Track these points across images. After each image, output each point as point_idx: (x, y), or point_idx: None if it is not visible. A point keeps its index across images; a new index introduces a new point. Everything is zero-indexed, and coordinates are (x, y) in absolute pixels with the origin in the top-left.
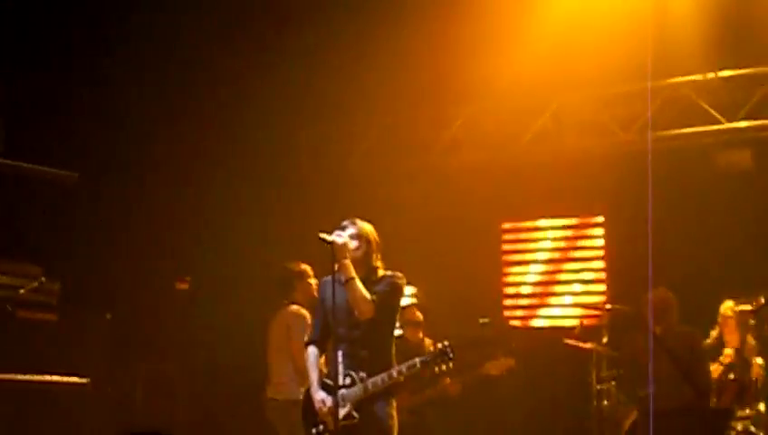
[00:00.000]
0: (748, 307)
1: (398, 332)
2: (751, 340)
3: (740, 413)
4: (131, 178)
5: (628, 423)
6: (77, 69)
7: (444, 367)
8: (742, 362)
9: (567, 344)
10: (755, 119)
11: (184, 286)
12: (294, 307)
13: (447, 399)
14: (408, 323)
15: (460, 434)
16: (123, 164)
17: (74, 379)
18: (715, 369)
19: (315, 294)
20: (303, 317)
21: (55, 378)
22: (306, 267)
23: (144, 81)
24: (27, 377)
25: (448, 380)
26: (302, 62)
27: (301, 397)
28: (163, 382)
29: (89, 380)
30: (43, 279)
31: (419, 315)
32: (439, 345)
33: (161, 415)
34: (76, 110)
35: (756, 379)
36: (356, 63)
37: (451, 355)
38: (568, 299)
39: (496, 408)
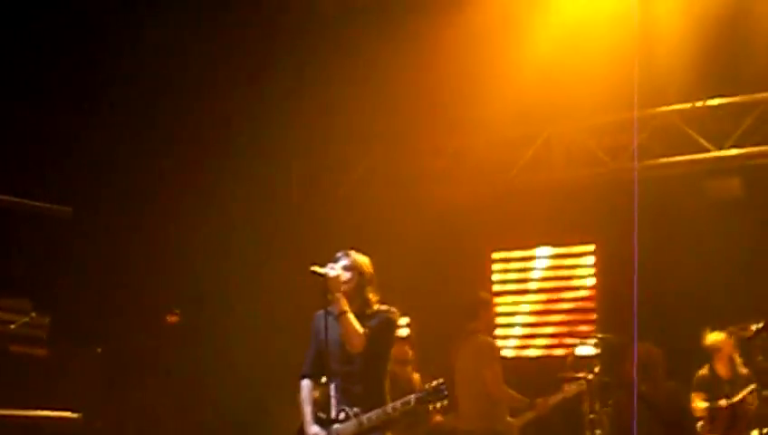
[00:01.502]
0: (741, 334)
1: None
2: (742, 368)
3: None
4: (122, 212)
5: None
6: (68, 103)
7: (438, 405)
8: (733, 390)
9: (561, 376)
10: (744, 147)
11: (174, 320)
12: (483, 337)
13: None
14: (396, 361)
15: None
16: (114, 198)
17: (66, 414)
18: (704, 401)
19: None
20: (494, 346)
21: (47, 413)
22: (489, 296)
23: (133, 113)
24: (18, 412)
25: (440, 417)
26: (294, 94)
27: (499, 427)
28: (154, 416)
29: (80, 414)
30: (33, 314)
31: (409, 352)
32: (434, 383)
33: None
34: (65, 143)
35: (748, 406)
36: (347, 94)
37: (446, 392)
38: (558, 328)
39: None
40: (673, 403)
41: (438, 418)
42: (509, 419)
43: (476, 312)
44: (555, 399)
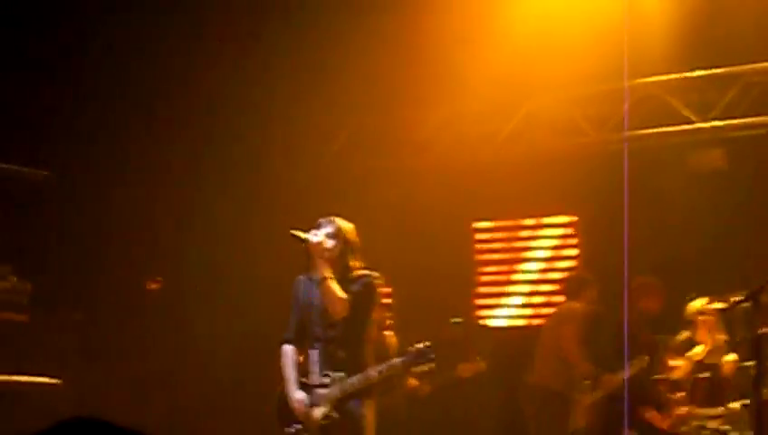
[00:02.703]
0: (720, 305)
1: None
2: (721, 338)
3: (712, 412)
4: (104, 178)
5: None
6: (53, 72)
7: (425, 367)
8: (713, 360)
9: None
10: (727, 118)
11: (155, 286)
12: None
13: (416, 399)
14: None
15: (427, 433)
16: (96, 165)
17: (46, 379)
18: (684, 366)
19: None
20: (576, 310)
21: (27, 378)
22: (592, 276)
23: (119, 84)
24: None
25: (415, 381)
26: (275, 65)
27: (571, 393)
28: (134, 382)
29: (60, 380)
30: (14, 279)
31: (388, 317)
32: (420, 345)
33: (133, 414)
34: (51, 111)
35: (728, 377)
36: (329, 65)
37: (432, 356)
38: (539, 298)
39: (464, 405)
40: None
41: (414, 382)
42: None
43: (578, 290)
44: (621, 376)
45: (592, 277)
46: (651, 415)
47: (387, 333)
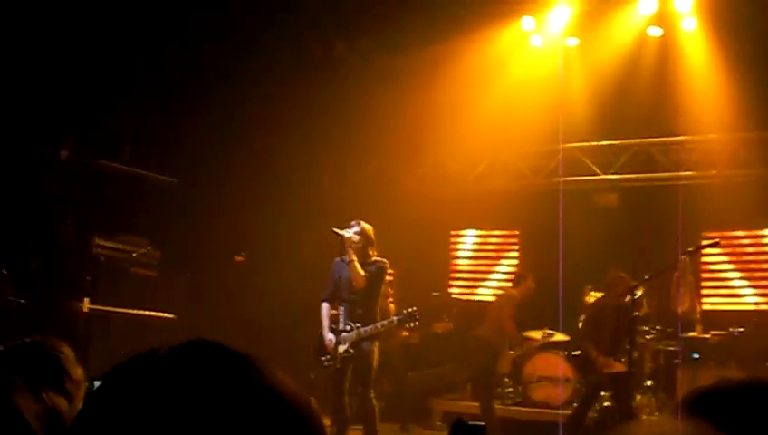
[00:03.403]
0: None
1: None
2: None
3: None
4: (212, 184)
5: (527, 366)
6: (183, 104)
7: (412, 324)
8: None
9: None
10: (621, 173)
11: (240, 259)
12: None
13: (409, 346)
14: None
15: (415, 368)
16: (207, 175)
17: (165, 314)
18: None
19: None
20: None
21: (153, 313)
22: (623, 276)
23: (233, 118)
24: (135, 311)
25: (407, 333)
26: (323, 118)
27: None
28: (224, 322)
29: (175, 316)
30: (149, 248)
31: (390, 291)
32: (410, 310)
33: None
34: (181, 134)
35: None
36: (360, 121)
37: (417, 317)
38: (493, 283)
39: (437, 349)
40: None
41: (406, 334)
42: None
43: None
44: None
45: (528, 274)
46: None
47: (389, 300)
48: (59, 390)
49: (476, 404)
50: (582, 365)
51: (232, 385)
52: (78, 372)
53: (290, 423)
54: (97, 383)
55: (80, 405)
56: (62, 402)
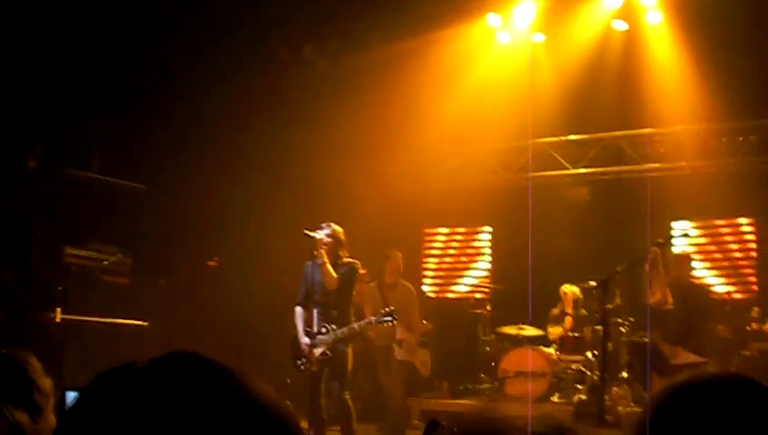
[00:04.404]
0: (581, 287)
1: None
2: (583, 311)
3: (575, 358)
4: (182, 189)
5: (502, 362)
6: (150, 112)
7: (388, 324)
8: (577, 325)
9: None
10: (590, 167)
11: (213, 264)
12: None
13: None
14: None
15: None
16: (179, 180)
17: (138, 322)
18: (560, 331)
19: None
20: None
21: (125, 321)
22: None
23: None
24: (107, 319)
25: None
26: (291, 120)
27: None
28: (198, 328)
29: (147, 323)
30: (120, 255)
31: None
32: (387, 310)
33: (197, 349)
34: (149, 140)
35: (585, 337)
36: (329, 122)
37: (394, 315)
38: (466, 280)
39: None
40: None
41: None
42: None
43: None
44: None
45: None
46: None
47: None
48: (25, 403)
49: (455, 402)
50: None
51: (210, 397)
52: (46, 384)
53: (269, 431)
54: (71, 394)
55: (49, 416)
56: (23, 417)
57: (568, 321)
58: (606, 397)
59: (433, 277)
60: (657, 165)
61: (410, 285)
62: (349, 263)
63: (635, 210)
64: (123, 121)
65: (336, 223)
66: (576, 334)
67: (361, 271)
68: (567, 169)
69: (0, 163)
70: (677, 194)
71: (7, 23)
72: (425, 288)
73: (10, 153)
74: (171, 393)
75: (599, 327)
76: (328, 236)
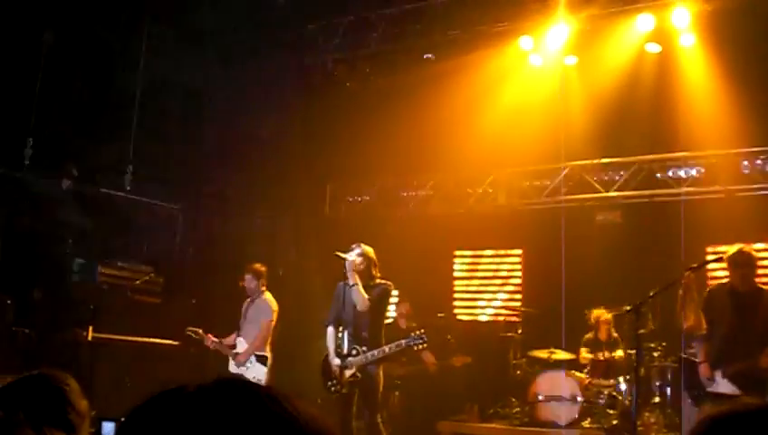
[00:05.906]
0: (615, 312)
1: (391, 320)
2: (614, 333)
3: (607, 383)
4: (216, 211)
5: (533, 386)
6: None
7: (419, 347)
8: (609, 349)
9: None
10: (623, 190)
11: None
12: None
13: (426, 374)
14: (401, 315)
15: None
16: (211, 202)
17: (169, 341)
18: (591, 355)
19: None
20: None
21: (157, 340)
22: None
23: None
24: (139, 338)
25: (431, 362)
26: (323, 141)
27: None
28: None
29: (179, 342)
30: (152, 274)
31: (409, 308)
32: (418, 332)
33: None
34: (182, 160)
35: (618, 361)
36: (360, 144)
37: (425, 339)
38: (497, 303)
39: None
40: None
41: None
42: None
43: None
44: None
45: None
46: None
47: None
48: (61, 423)
49: (485, 425)
50: None
51: (259, 424)
52: (83, 404)
53: None
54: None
55: None
56: None
57: (600, 345)
58: (638, 422)
59: (463, 300)
60: (691, 189)
61: None
62: (381, 284)
63: (668, 234)
64: (156, 141)
65: (367, 244)
66: (608, 358)
67: (394, 292)
68: (600, 192)
69: (34, 182)
70: (712, 218)
71: (41, 40)
72: (455, 311)
73: (44, 173)
74: (221, 417)
75: (631, 351)
76: (359, 256)
